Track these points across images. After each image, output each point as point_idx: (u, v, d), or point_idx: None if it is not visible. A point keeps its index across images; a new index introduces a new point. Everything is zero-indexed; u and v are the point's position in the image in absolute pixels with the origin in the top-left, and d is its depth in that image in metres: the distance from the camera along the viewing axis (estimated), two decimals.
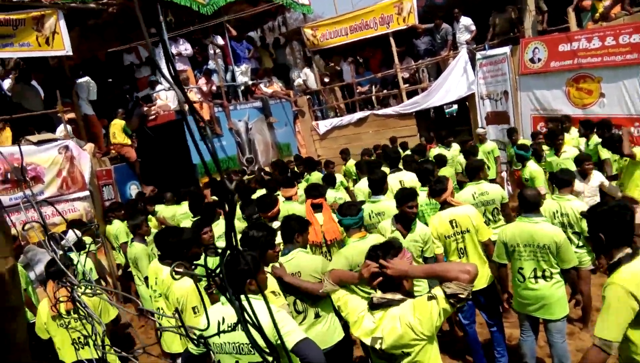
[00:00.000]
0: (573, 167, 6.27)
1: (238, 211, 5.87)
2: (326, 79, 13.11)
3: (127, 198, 8.62)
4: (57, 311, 3.77)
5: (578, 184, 5.52)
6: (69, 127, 8.20)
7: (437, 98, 10.96)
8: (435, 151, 8.88)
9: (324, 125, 12.52)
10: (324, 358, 2.42)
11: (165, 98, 10.12)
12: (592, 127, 7.35)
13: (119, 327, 4.83)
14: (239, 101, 11.46)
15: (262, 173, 9.45)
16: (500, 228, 4.28)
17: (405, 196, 4.14)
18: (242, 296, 1.15)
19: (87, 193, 7.78)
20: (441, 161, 7.17)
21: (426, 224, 4.57)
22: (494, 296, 4.40)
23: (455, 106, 13.89)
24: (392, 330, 2.29)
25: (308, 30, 12.77)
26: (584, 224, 4.45)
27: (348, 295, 2.61)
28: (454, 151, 8.86)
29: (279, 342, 2.17)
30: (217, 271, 1.16)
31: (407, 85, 11.82)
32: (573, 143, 7.43)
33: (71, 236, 4.08)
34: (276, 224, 4.40)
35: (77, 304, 2.11)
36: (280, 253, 3.59)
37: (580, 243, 4.69)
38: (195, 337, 2.32)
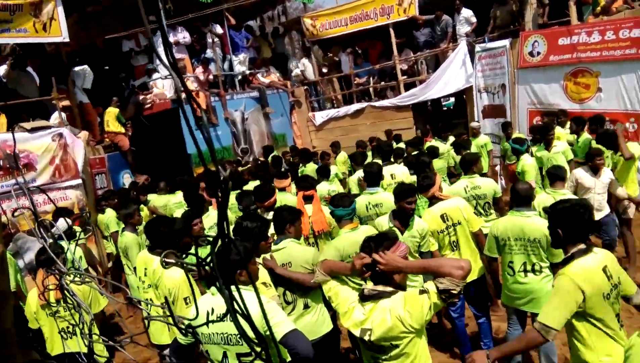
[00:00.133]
0: (563, 161, 6.32)
1: (231, 202, 5.86)
2: (324, 70, 13.04)
3: (120, 186, 8.59)
4: (45, 299, 3.74)
5: (589, 180, 5.48)
6: (63, 114, 8.14)
7: (435, 91, 10.92)
8: (430, 144, 8.86)
9: (320, 116, 12.48)
10: (312, 349, 2.41)
11: (162, 87, 10.06)
12: (584, 123, 7.34)
13: (107, 317, 4.81)
14: (235, 91, 11.41)
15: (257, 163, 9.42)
16: (492, 222, 4.28)
17: (404, 192, 4.02)
18: (232, 287, 1.13)
19: (79, 181, 7.74)
20: (433, 153, 7.15)
21: (420, 217, 4.55)
22: (484, 288, 4.41)
23: (452, 99, 13.85)
24: (381, 322, 2.29)
25: (308, 20, 12.68)
26: None
27: (339, 285, 2.60)
28: (449, 145, 8.85)
29: (267, 332, 2.16)
30: (208, 260, 1.15)
31: (405, 77, 11.77)
32: (569, 138, 7.41)
33: (61, 224, 4.05)
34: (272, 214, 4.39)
35: (66, 292, 2.09)
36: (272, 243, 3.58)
37: None
38: (183, 327, 2.30)
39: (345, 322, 2.45)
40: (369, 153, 8.53)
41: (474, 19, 10.79)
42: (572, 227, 2.64)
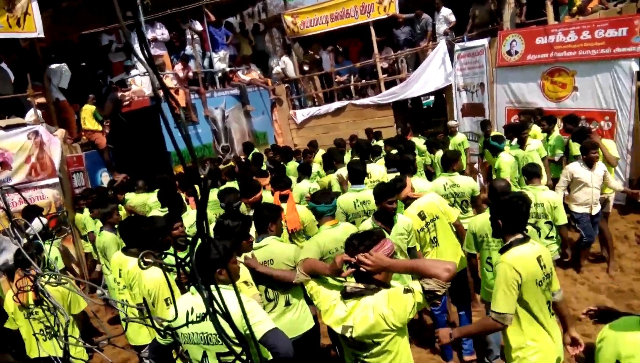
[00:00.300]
0: (538, 159, 6.46)
1: (212, 199, 5.82)
2: (305, 68, 13.02)
3: (97, 185, 8.45)
4: (20, 301, 3.67)
5: (585, 174, 5.50)
6: (39, 112, 7.97)
7: (415, 89, 10.99)
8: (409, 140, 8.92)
9: (301, 114, 12.46)
10: (292, 348, 2.41)
11: (140, 84, 9.92)
12: (554, 122, 7.48)
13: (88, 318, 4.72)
14: (215, 88, 11.31)
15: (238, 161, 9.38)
16: (470, 219, 4.33)
17: (384, 192, 3.96)
18: (212, 286, 1.12)
19: (56, 180, 7.60)
20: (411, 150, 7.18)
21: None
22: (465, 281, 4.46)
23: (432, 98, 13.96)
24: (364, 319, 2.29)
25: (288, 17, 12.64)
26: (557, 213, 4.57)
27: (320, 284, 2.59)
28: (423, 143, 8.94)
29: (247, 332, 2.15)
30: (187, 260, 1.13)
31: (385, 75, 11.82)
32: (539, 136, 7.54)
33: (36, 224, 3.97)
34: None
35: (41, 294, 2.04)
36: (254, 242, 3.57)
37: (551, 234, 4.77)
38: (162, 328, 2.28)
39: (326, 319, 2.44)
40: (348, 152, 8.58)
41: (452, 18, 10.88)
42: (510, 218, 2.86)
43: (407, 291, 2.25)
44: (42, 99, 8.44)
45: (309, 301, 3.21)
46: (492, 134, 7.61)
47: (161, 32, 10.56)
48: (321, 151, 9.45)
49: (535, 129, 7.70)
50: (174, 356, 2.85)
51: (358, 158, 6.60)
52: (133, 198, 7.22)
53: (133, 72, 9.98)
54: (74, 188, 8.04)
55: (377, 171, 6.11)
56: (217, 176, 6.86)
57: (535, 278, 2.78)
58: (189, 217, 4.98)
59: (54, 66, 8.87)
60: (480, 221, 3.97)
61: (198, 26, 11.15)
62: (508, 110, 9.50)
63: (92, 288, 6.54)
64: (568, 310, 3.14)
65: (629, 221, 7.14)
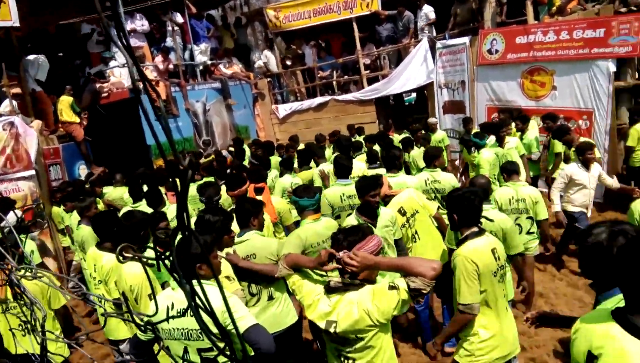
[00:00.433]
0: (516, 157, 6.53)
1: (191, 194, 5.77)
2: (288, 62, 12.96)
3: (75, 178, 8.29)
4: None
5: (583, 176, 5.44)
6: (14, 102, 7.77)
7: (397, 86, 11.05)
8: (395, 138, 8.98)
9: (283, 109, 12.41)
10: (273, 344, 2.40)
11: (119, 75, 9.74)
12: (528, 121, 7.57)
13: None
14: (197, 81, 11.18)
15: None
16: None
17: (367, 186, 3.92)
18: (195, 281, 1.10)
19: (32, 172, 7.42)
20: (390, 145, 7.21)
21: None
22: (449, 274, 4.50)
23: (414, 95, 14.04)
24: (347, 315, 2.28)
25: (271, 11, 12.55)
26: (539, 208, 4.64)
27: (303, 279, 2.58)
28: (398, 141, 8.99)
29: (229, 327, 2.13)
30: (167, 254, 1.11)
31: (368, 71, 11.84)
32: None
33: (11, 217, 3.87)
34: None
35: (16, 289, 1.99)
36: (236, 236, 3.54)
37: (532, 229, 4.84)
38: (142, 323, 2.25)
39: (310, 314, 2.42)
40: (329, 148, 8.58)
41: (432, 15, 10.91)
42: (464, 212, 2.99)
43: (392, 288, 2.24)
44: (17, 90, 8.22)
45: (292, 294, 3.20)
46: (473, 131, 7.69)
47: (141, 24, 10.38)
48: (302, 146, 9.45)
49: (515, 127, 7.80)
50: (155, 351, 2.82)
51: (339, 153, 6.60)
52: (111, 192, 7.11)
53: (112, 63, 9.79)
54: (51, 180, 7.87)
55: (358, 167, 6.11)
56: (196, 168, 6.80)
57: (491, 269, 2.91)
58: (169, 212, 4.92)
59: (31, 57, 8.64)
60: None
61: (179, 18, 10.99)
62: (488, 108, 9.62)
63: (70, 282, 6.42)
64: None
65: (606, 218, 7.29)
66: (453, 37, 10.36)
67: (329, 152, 8.28)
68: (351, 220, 3.96)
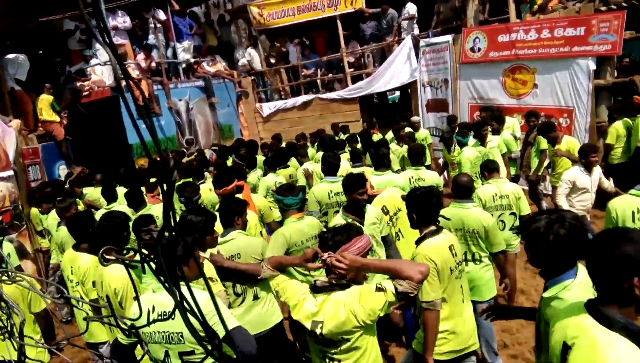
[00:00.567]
0: (499, 156, 6.56)
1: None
2: (272, 60, 12.90)
3: (55, 178, 8.15)
4: None
5: (585, 180, 5.27)
6: None
7: (381, 84, 11.07)
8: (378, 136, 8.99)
9: (267, 107, 12.36)
10: (255, 346, 2.37)
11: (101, 73, 9.59)
12: (503, 122, 7.57)
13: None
14: (179, 79, 11.07)
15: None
16: None
17: (354, 183, 3.84)
18: (181, 283, 1.08)
19: (11, 172, 7.27)
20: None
21: None
22: None
23: (397, 93, 14.08)
24: (334, 315, 2.27)
25: (254, 8, 12.46)
26: (522, 204, 4.68)
27: (287, 279, 2.56)
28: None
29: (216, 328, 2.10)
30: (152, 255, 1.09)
31: (352, 69, 11.85)
32: (509, 130, 7.71)
33: None
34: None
35: None
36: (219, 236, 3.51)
37: (515, 225, 4.87)
38: (126, 327, 2.21)
39: (296, 314, 2.39)
40: (312, 147, 8.57)
41: (412, 11, 10.91)
42: (422, 212, 3.07)
43: (379, 289, 2.23)
44: None
45: None
46: (457, 129, 7.73)
47: (123, 20, 10.24)
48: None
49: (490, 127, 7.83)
50: (140, 354, 2.78)
51: (326, 151, 6.59)
52: (92, 192, 7.01)
53: (93, 61, 9.65)
54: (30, 181, 7.73)
55: (341, 166, 6.11)
56: (180, 167, 6.74)
57: (449, 265, 3.01)
58: (150, 212, 4.85)
59: (11, 55, 8.47)
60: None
61: (161, 15, 10.87)
62: (471, 106, 9.68)
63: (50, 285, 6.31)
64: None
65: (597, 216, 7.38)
66: (436, 36, 10.41)
67: (312, 151, 8.27)
68: (338, 219, 3.88)
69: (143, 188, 5.86)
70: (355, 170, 5.57)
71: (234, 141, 10.75)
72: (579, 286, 2.00)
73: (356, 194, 3.84)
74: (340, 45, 11.71)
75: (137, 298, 1.76)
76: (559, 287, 2.04)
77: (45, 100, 8.42)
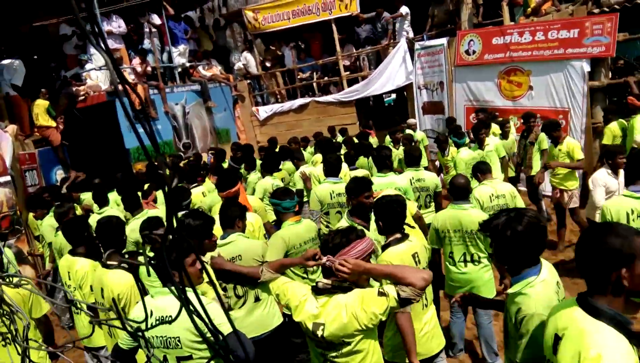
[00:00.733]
0: (496, 159, 6.58)
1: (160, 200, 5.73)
2: (267, 64, 12.91)
3: (52, 183, 8.14)
4: None
5: (614, 183, 5.03)
6: None
7: (377, 87, 11.10)
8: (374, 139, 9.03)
9: (264, 111, 12.37)
10: (253, 351, 2.37)
11: (96, 78, 9.58)
12: (489, 127, 7.45)
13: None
14: (175, 84, 11.07)
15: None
16: (433, 215, 4.43)
17: (361, 186, 3.72)
18: (189, 287, 1.09)
19: (8, 178, 7.26)
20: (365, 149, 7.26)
21: None
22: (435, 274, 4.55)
23: (393, 95, 14.12)
24: (336, 318, 2.26)
25: (249, 12, 12.49)
26: (517, 202, 4.71)
27: (288, 282, 2.56)
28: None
29: (208, 334, 2.10)
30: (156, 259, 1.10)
31: (347, 73, 11.88)
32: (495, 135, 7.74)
33: None
34: None
35: None
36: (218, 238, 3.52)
37: None
38: (132, 330, 2.21)
39: (297, 315, 2.39)
40: (306, 150, 8.60)
41: (404, 11, 10.94)
42: (387, 220, 3.14)
43: (381, 294, 2.23)
44: None
45: None
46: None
47: (117, 25, 10.24)
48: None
49: (494, 127, 7.88)
50: (141, 359, 2.78)
51: (328, 153, 6.62)
52: (89, 197, 6.99)
53: (88, 66, 9.64)
54: (27, 186, 7.72)
55: None
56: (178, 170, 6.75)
57: None
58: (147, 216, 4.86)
59: (6, 61, 8.46)
60: (442, 217, 4.07)
61: (156, 19, 10.87)
62: (467, 108, 9.73)
63: (50, 289, 6.29)
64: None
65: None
66: (431, 39, 10.46)
67: (307, 154, 8.30)
68: (343, 224, 3.76)
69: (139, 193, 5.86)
70: (353, 173, 5.61)
71: (231, 145, 10.75)
72: (542, 283, 2.06)
73: (363, 198, 3.70)
74: (335, 48, 11.75)
75: (143, 302, 1.77)
76: (522, 284, 2.08)
77: (41, 105, 8.40)
